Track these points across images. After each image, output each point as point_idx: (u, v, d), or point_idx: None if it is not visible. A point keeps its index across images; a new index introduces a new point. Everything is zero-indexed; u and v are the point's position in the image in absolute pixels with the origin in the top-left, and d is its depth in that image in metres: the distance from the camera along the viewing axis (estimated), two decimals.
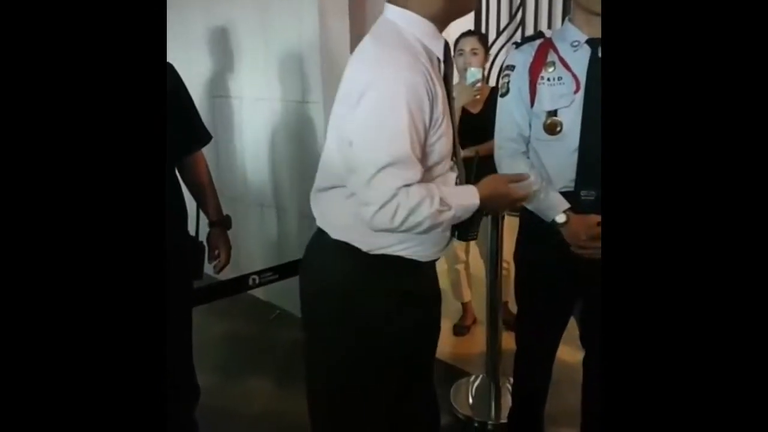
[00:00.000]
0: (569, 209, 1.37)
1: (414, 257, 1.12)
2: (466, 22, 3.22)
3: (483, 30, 3.82)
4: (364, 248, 1.11)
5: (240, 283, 1.66)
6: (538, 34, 1.48)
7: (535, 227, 1.44)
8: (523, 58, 1.41)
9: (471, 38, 2.35)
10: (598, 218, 1.35)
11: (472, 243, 2.55)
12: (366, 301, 1.13)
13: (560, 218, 1.37)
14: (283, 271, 1.70)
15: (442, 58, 1.08)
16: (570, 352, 1.76)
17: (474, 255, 2.63)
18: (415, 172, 1.00)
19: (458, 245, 2.49)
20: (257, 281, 1.67)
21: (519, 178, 1.17)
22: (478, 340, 2.48)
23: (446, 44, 1.08)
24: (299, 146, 2.56)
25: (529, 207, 1.41)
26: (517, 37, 3.68)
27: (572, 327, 1.74)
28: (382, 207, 0.99)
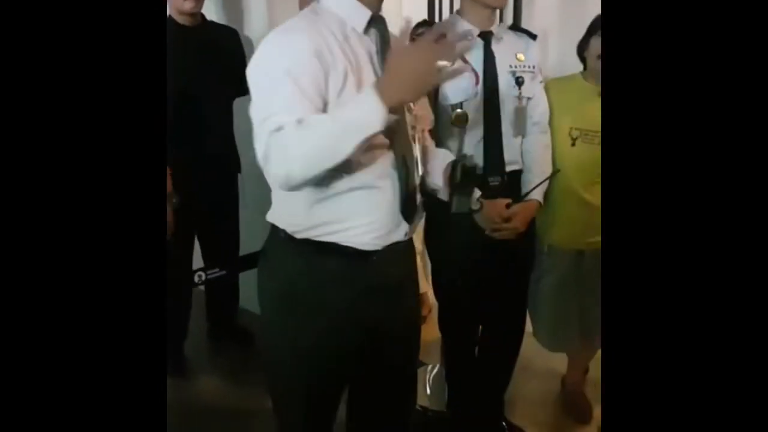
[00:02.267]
0: (481, 196, 1.42)
1: (349, 244, 1.05)
2: (419, 11, 3.19)
3: (437, 19, 3.80)
4: (290, 230, 1.07)
5: (185, 281, 1.61)
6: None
7: (443, 215, 1.46)
8: None
9: (426, 29, 2.33)
10: (505, 201, 1.44)
11: None
12: (303, 289, 1.09)
13: (475, 206, 1.40)
14: (236, 266, 1.64)
15: (360, 29, 1.04)
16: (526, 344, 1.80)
17: None
18: (295, 108, 0.92)
19: (415, 236, 2.48)
20: (203, 278, 1.62)
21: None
22: (433, 329, 2.48)
23: (373, 17, 1.04)
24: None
25: (442, 197, 1.42)
26: None
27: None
28: (264, 157, 0.92)
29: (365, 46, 1.05)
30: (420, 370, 2.17)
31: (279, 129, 0.90)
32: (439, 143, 1.44)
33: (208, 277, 1.57)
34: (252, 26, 2.24)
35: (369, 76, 1.02)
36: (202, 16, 1.98)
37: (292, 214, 1.07)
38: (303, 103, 0.92)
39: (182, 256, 2.03)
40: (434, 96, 1.43)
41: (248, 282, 2.12)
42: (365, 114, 0.88)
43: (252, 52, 2.23)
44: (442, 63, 0.87)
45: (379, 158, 1.03)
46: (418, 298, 1.27)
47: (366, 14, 1.05)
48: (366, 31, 1.05)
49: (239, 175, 2.16)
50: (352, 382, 1.24)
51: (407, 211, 1.08)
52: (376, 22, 1.06)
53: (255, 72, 0.98)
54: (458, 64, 0.97)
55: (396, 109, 0.89)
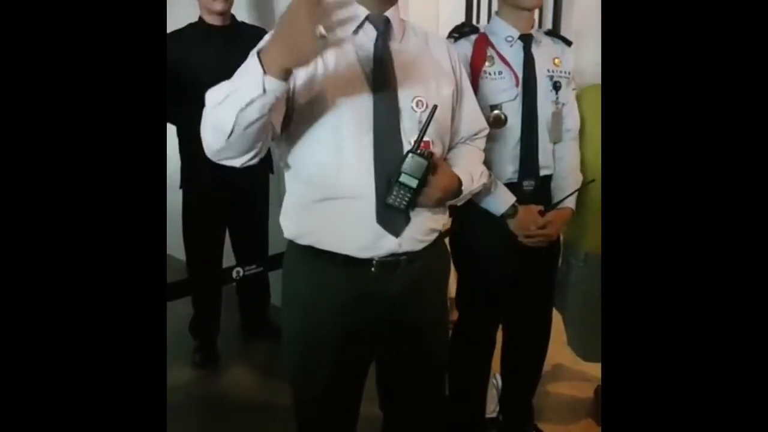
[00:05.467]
0: (515, 201, 1.43)
1: (342, 251, 1.05)
2: (456, 13, 3.18)
3: (474, 21, 3.79)
4: (289, 235, 1.11)
5: (223, 276, 1.65)
6: (474, 29, 1.49)
7: (470, 216, 1.46)
8: (463, 52, 1.40)
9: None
10: (538, 208, 1.44)
11: None
12: (304, 291, 1.12)
13: (509, 211, 1.42)
14: (266, 264, 1.68)
15: (350, 30, 1.04)
16: (553, 350, 1.78)
17: None
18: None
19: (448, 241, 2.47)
20: (241, 274, 1.65)
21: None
22: None
23: (369, 17, 1.05)
24: None
25: (477, 202, 1.42)
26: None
27: (557, 322, 1.76)
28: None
29: (354, 47, 1.04)
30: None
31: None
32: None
33: (246, 273, 1.61)
34: None
35: (348, 79, 1.01)
36: (232, 16, 2.00)
37: (287, 220, 1.11)
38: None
39: (214, 253, 2.10)
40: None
41: (279, 279, 2.14)
42: (246, 79, 0.86)
43: None
44: (320, 30, 0.81)
45: (355, 170, 1.02)
46: (442, 306, 1.24)
47: (360, 15, 1.04)
48: (356, 31, 1.04)
49: (270, 175, 2.20)
50: (380, 386, 1.24)
51: (390, 223, 1.03)
52: (374, 22, 1.05)
53: None
54: (342, 35, 0.93)
55: (285, 76, 0.86)
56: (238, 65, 2.05)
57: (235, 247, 2.20)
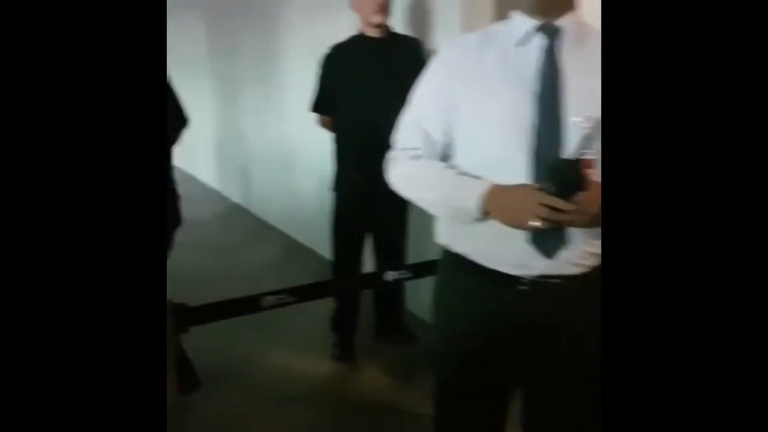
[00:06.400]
0: None
1: (482, 262, 1.04)
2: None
3: None
4: (439, 239, 1.12)
5: (374, 279, 1.70)
6: None
7: None
8: None
9: None
10: None
11: None
12: (445, 299, 1.13)
13: None
14: (417, 270, 1.70)
15: (514, 42, 1.01)
16: None
17: None
18: (413, 139, 1.09)
19: None
20: (393, 278, 1.69)
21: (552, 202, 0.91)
22: None
23: (542, 26, 0.99)
24: None
25: None
26: None
27: None
28: (386, 165, 1.14)
29: (522, 59, 1.00)
30: None
31: (395, 155, 1.12)
32: None
33: (399, 277, 1.65)
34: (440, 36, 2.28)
35: (510, 92, 0.99)
36: (389, 28, 2.10)
37: (442, 227, 1.12)
38: (417, 134, 1.08)
39: (357, 254, 2.23)
40: None
41: (414, 286, 2.20)
42: (462, 206, 1.00)
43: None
44: (533, 223, 0.92)
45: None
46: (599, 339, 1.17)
47: (526, 25, 1.01)
48: (525, 41, 1.01)
49: None
50: (523, 409, 1.18)
51: (544, 244, 0.98)
52: (545, 31, 1.00)
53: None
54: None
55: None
56: (395, 75, 2.10)
57: (376, 252, 2.30)
